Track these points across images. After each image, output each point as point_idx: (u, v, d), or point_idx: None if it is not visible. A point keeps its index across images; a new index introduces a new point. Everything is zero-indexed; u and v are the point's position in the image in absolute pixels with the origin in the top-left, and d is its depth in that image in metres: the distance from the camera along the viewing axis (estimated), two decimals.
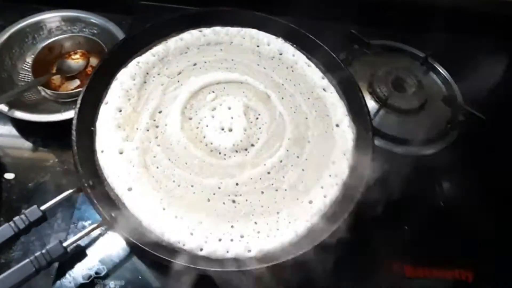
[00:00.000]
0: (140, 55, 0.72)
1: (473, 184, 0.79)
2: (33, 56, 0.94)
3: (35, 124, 0.82)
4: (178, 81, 0.70)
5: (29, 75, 0.92)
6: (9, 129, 0.88)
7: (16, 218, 0.51)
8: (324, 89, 0.73)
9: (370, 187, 0.62)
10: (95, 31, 0.96)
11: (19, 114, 0.81)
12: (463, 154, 0.80)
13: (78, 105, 0.63)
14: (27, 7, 0.98)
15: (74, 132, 0.60)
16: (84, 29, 0.96)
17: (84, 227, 0.66)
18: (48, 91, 0.91)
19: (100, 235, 0.65)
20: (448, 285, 0.68)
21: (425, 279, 0.68)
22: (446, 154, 0.80)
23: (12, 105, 0.82)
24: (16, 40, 0.92)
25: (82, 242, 0.63)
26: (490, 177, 0.80)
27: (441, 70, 0.90)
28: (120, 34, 0.93)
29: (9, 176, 0.82)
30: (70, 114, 0.81)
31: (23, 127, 0.87)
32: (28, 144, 0.86)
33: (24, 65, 0.93)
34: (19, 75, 0.91)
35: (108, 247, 0.65)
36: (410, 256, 0.69)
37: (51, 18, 0.95)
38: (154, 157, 0.62)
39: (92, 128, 0.64)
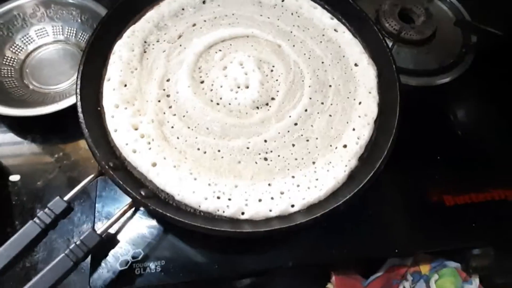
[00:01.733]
0: (134, 23, 0.66)
1: (495, 106, 0.77)
2: (11, 49, 0.87)
3: (31, 119, 0.76)
4: (181, 45, 0.65)
5: (11, 69, 0.86)
6: (2, 129, 0.82)
7: (40, 213, 0.47)
8: (335, 30, 0.68)
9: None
10: (74, 12, 0.89)
11: (13, 111, 0.75)
12: (481, 76, 0.77)
13: (78, 86, 0.57)
14: None
15: (81, 115, 0.55)
16: (62, 12, 0.89)
17: (110, 214, 0.63)
18: (37, 84, 0.85)
19: (128, 218, 0.61)
20: (489, 207, 0.67)
21: (465, 205, 0.66)
22: (464, 79, 0.77)
23: (1, 103, 0.76)
24: None
25: (111, 229, 0.59)
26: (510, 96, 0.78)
27: None
28: (101, 10, 0.86)
29: (14, 178, 0.77)
30: (66, 103, 0.76)
31: (18, 125, 0.82)
32: (27, 142, 0.81)
33: (4, 60, 0.86)
34: (1, 71, 0.84)
35: (139, 229, 0.61)
36: (448, 186, 0.67)
37: (24, 4, 0.87)
38: (172, 127, 0.58)
39: (99, 108, 0.59)
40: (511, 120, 0.77)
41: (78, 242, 0.46)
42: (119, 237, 0.60)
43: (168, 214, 0.49)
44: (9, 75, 0.85)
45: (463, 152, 0.71)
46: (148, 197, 0.51)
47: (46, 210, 0.47)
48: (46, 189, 0.75)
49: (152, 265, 0.58)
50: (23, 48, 0.88)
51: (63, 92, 0.84)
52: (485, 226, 0.65)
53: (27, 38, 0.89)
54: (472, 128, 0.76)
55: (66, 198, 0.49)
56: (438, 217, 0.64)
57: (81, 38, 0.90)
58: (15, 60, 0.87)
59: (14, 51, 0.87)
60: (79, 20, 0.90)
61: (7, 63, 0.86)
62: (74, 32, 0.90)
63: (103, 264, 0.58)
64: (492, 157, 0.73)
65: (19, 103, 0.79)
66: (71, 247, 0.46)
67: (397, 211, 0.66)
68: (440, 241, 0.63)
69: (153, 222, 0.61)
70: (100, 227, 0.49)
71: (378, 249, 0.63)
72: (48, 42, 0.90)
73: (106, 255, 0.58)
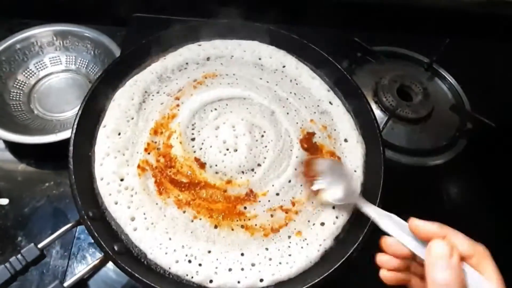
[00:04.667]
0: (138, 72, 0.69)
1: (482, 193, 0.77)
2: (24, 73, 0.90)
3: (29, 145, 0.79)
4: (179, 99, 0.67)
5: (20, 93, 0.89)
6: (1, 151, 0.84)
7: (12, 259, 0.48)
8: (330, 102, 0.70)
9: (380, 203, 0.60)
10: (88, 45, 0.93)
11: (12, 137, 0.77)
12: (472, 163, 0.78)
13: (74, 131, 0.59)
14: (16, 22, 0.94)
15: (71, 160, 0.57)
16: (77, 43, 0.93)
17: (84, 258, 0.64)
18: (41, 110, 0.88)
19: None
20: None
21: None
22: (455, 163, 0.78)
23: (3, 126, 0.78)
24: (5, 57, 0.88)
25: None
26: (500, 185, 0.78)
27: (446, 76, 0.88)
28: (114, 47, 0.90)
29: (3, 201, 0.78)
30: (65, 135, 0.78)
31: (16, 149, 0.84)
32: (21, 166, 0.83)
33: (15, 83, 0.89)
34: (10, 93, 0.88)
35: (111, 277, 0.62)
36: None
37: (43, 33, 0.91)
38: (156, 181, 0.59)
39: (90, 154, 0.61)
40: (501, 207, 0.77)
41: None
42: (90, 282, 0.60)
43: (136, 275, 0.49)
44: (17, 99, 0.88)
45: None
46: (121, 253, 0.52)
47: (19, 256, 0.48)
48: (31, 217, 0.77)
49: None
50: (35, 73, 0.92)
51: (65, 121, 0.86)
52: None
53: (41, 64, 0.92)
54: (462, 212, 0.76)
55: (40, 245, 0.50)
56: None
57: (91, 70, 0.93)
58: (26, 84, 0.90)
59: (26, 75, 0.91)
60: (92, 53, 0.93)
61: (17, 86, 0.89)
62: (86, 63, 0.94)
63: None
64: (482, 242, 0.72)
65: (20, 128, 0.82)
66: None
67: None
68: None
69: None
70: (68, 280, 0.49)
71: None
72: (60, 70, 0.94)
73: None
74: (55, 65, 0.93)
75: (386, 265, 0.46)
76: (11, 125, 0.81)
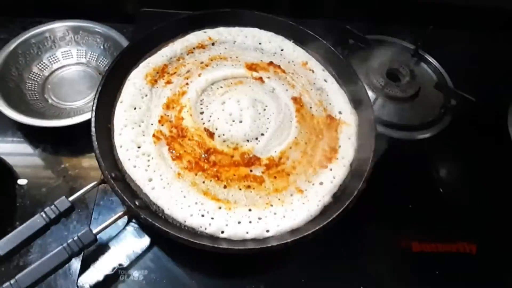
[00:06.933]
0: (150, 56, 0.75)
1: (468, 164, 0.84)
2: (38, 66, 0.96)
3: (44, 130, 0.84)
4: (188, 79, 0.74)
5: (35, 84, 0.95)
6: (18, 137, 0.90)
7: (46, 209, 0.53)
8: (325, 80, 0.77)
9: (374, 170, 0.66)
10: (98, 39, 0.99)
11: (32, 121, 0.83)
12: (457, 136, 0.85)
13: (95, 104, 0.65)
14: (29, 21, 1.01)
15: (93, 129, 0.63)
16: (88, 38, 1.00)
17: (104, 220, 0.69)
18: (55, 99, 0.94)
19: (121, 228, 0.67)
20: (454, 258, 0.72)
21: (431, 253, 0.71)
22: (441, 137, 0.85)
23: (22, 113, 0.84)
24: (21, 51, 0.94)
25: (104, 236, 0.65)
26: (483, 157, 0.85)
27: (431, 60, 0.95)
28: (123, 41, 0.96)
29: (22, 182, 0.83)
30: (80, 118, 0.83)
31: (33, 134, 0.89)
32: (38, 151, 0.88)
33: (31, 75, 0.95)
34: (26, 84, 0.94)
35: (129, 240, 0.67)
36: (416, 233, 0.73)
37: (56, 28, 0.97)
38: (170, 149, 0.65)
39: (109, 126, 0.67)
40: (482, 178, 0.84)
41: (75, 238, 0.52)
42: (110, 244, 0.66)
43: (156, 224, 0.55)
44: (33, 89, 0.94)
45: (435, 204, 0.77)
46: (141, 208, 0.58)
47: (52, 206, 0.53)
48: (48, 196, 0.81)
49: (135, 273, 0.63)
50: (48, 66, 0.98)
51: (78, 109, 0.92)
52: (447, 275, 0.70)
53: (54, 57, 0.99)
54: (446, 182, 0.82)
55: (70, 199, 0.55)
56: (404, 261, 0.70)
57: (101, 62, 0.99)
58: (40, 76, 0.96)
59: (40, 68, 0.97)
60: (102, 47, 1.00)
61: (32, 77, 0.95)
62: (96, 57, 1.00)
63: (91, 267, 0.63)
64: (462, 210, 0.79)
65: (37, 115, 0.87)
66: (68, 241, 0.52)
67: (367, 251, 0.71)
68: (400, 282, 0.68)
69: (142, 235, 0.66)
70: (97, 228, 0.55)
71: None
72: (71, 63, 0.99)
73: (96, 259, 0.63)
74: (67, 59, 0.99)
75: None
76: (29, 112, 0.86)
